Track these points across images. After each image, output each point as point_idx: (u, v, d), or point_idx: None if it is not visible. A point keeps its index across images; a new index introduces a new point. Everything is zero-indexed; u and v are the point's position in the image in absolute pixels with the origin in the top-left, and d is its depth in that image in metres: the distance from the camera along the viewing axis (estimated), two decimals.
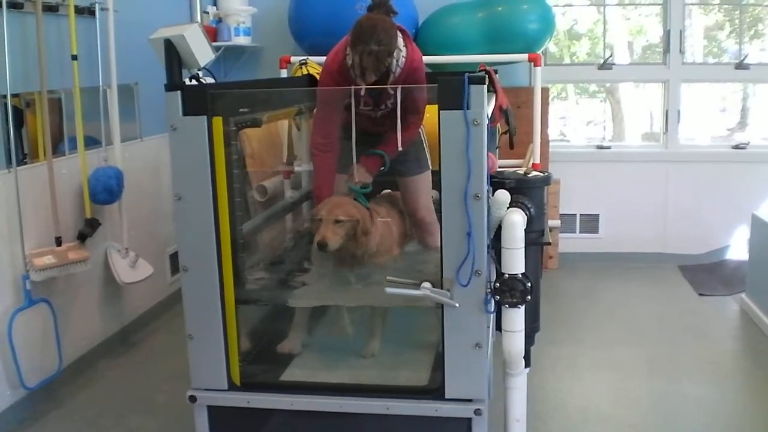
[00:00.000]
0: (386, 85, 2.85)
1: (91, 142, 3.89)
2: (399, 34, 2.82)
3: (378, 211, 3.08)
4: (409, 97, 2.89)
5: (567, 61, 6.17)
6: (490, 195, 2.43)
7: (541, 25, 5.00)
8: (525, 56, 4.84)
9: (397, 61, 2.81)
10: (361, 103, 2.95)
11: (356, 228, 2.83)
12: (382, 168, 3.03)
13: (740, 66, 5.59)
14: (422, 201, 3.19)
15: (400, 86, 2.85)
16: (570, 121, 6.35)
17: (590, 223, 5.82)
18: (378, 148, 3.01)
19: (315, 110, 3.17)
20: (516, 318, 2.42)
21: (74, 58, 3.65)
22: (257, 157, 4.31)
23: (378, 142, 3.07)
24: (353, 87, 2.81)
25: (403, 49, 2.84)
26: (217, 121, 2.41)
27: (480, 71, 2.65)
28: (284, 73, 4.95)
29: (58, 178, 3.54)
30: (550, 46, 5.80)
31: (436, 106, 2.27)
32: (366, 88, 2.84)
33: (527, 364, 2.60)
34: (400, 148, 2.92)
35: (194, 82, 2.53)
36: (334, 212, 2.80)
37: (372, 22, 2.72)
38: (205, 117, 2.37)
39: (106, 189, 3.80)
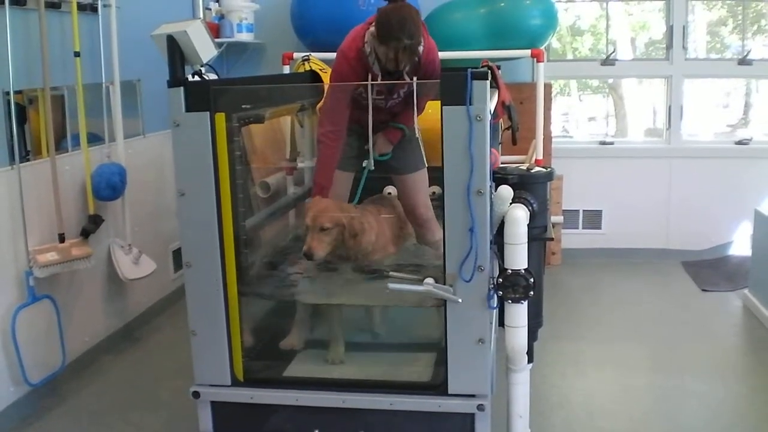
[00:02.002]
0: (403, 73, 2.86)
1: (94, 138, 3.90)
2: None
3: (372, 211, 3.07)
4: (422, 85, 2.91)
5: (570, 56, 6.16)
6: (493, 191, 2.43)
7: (543, 20, 4.99)
8: (528, 52, 4.83)
9: None
10: (374, 92, 2.95)
11: (343, 233, 2.80)
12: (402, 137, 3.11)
13: (743, 62, 5.58)
14: (420, 198, 3.19)
15: (415, 76, 2.88)
16: (573, 117, 6.34)
17: (593, 219, 5.81)
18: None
19: (324, 99, 3.16)
20: (519, 313, 2.42)
21: (77, 54, 3.65)
22: (260, 153, 4.31)
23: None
24: (371, 77, 2.84)
25: (421, 39, 2.85)
26: (220, 118, 2.41)
27: (483, 67, 2.65)
28: (287, 70, 4.95)
29: (61, 174, 3.54)
30: (553, 41, 5.79)
31: (439, 101, 2.27)
32: (382, 77, 2.85)
33: (530, 360, 2.59)
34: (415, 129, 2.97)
35: (197, 78, 2.53)
36: (319, 220, 2.76)
37: (401, 15, 2.68)
38: (208, 113, 2.38)
39: (109, 185, 3.80)
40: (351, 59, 2.88)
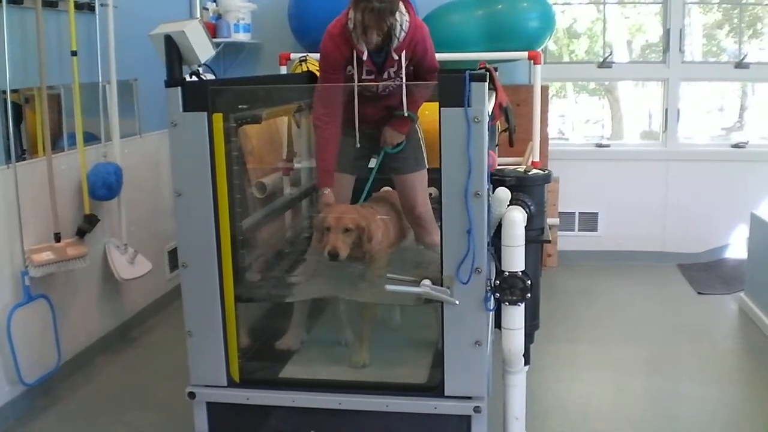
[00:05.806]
0: (390, 50, 2.85)
1: (90, 138, 3.89)
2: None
3: (376, 209, 3.08)
4: (414, 69, 2.90)
5: (566, 59, 6.17)
6: (491, 193, 2.43)
7: (540, 23, 4.99)
8: (525, 54, 4.83)
9: (401, 25, 2.80)
10: (364, 72, 2.93)
11: (362, 236, 2.83)
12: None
13: (739, 65, 5.59)
14: (419, 198, 3.19)
15: (403, 52, 2.86)
16: (569, 120, 6.35)
17: (589, 222, 5.82)
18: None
19: (317, 83, 3.16)
20: (516, 316, 2.42)
21: (74, 53, 3.64)
22: (257, 153, 4.30)
23: (377, 134, 3.08)
24: (356, 54, 2.82)
25: (406, 15, 2.84)
26: (218, 118, 2.41)
27: (480, 69, 2.66)
28: (284, 70, 4.95)
29: (57, 173, 3.53)
30: (550, 44, 5.80)
31: (437, 103, 2.27)
32: (369, 51, 2.83)
33: (526, 362, 2.60)
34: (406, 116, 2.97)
35: (194, 78, 2.53)
36: (343, 221, 2.79)
37: None
38: (206, 113, 2.37)
39: (105, 185, 3.79)
40: (335, 36, 2.89)
